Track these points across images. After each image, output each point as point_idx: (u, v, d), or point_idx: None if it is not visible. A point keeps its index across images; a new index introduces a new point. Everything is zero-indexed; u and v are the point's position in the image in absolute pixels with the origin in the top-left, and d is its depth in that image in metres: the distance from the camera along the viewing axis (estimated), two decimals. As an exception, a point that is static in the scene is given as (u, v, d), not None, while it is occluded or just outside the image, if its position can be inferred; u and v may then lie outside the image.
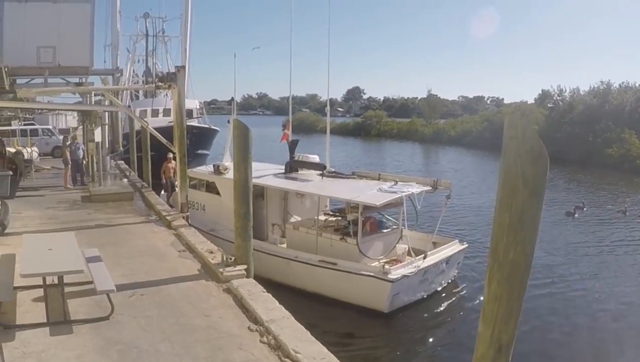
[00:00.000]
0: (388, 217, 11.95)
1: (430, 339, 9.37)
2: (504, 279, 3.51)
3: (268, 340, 5.55)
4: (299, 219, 12.73)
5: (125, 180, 18.25)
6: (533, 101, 56.90)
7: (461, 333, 9.36)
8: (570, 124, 40.82)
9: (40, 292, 6.19)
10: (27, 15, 13.63)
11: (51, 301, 5.96)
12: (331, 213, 11.90)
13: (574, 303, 10.79)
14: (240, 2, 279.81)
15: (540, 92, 52.37)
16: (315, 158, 13.45)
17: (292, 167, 13.00)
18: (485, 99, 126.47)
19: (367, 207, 10.43)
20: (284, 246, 11.72)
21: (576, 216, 18.84)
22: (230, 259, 7.84)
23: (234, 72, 19.15)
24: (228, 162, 12.91)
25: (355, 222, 10.50)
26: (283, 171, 12.99)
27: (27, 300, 6.43)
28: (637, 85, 42.00)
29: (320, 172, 12.54)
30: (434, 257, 10.57)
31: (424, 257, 10.22)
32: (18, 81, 13.57)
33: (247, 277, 7.50)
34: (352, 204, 10.67)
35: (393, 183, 11.18)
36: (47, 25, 13.65)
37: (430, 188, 10.92)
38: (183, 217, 11.51)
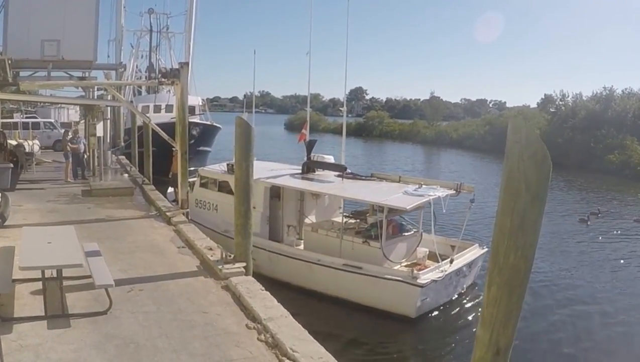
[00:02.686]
0: (407, 220, 11.73)
1: (453, 343, 9.25)
2: (504, 283, 3.50)
3: (266, 338, 5.53)
4: (313, 220, 12.47)
5: (126, 175, 18.25)
6: (535, 106, 56.95)
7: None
8: (572, 129, 40.79)
9: (38, 285, 6.19)
10: (31, 8, 13.65)
11: (49, 294, 5.95)
12: (350, 215, 11.65)
13: (580, 311, 10.68)
14: (244, 2, 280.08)
15: (543, 97, 52.24)
16: (330, 158, 13.19)
17: (310, 167, 12.67)
18: (488, 102, 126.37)
19: (392, 210, 10.21)
20: (301, 247, 11.48)
21: (589, 223, 18.15)
22: (230, 256, 7.83)
23: (254, 69, 19.19)
24: None
25: (377, 225, 10.31)
26: (300, 171, 12.65)
27: (25, 293, 6.43)
28: (640, 92, 42.06)
29: (340, 173, 12.21)
30: (459, 261, 10.42)
31: (451, 262, 10.07)
32: (21, 74, 13.59)
33: (246, 274, 7.50)
34: (377, 206, 10.38)
35: (417, 186, 10.90)
36: (51, 19, 13.68)
37: (454, 192, 10.76)
38: (183, 214, 11.51)
